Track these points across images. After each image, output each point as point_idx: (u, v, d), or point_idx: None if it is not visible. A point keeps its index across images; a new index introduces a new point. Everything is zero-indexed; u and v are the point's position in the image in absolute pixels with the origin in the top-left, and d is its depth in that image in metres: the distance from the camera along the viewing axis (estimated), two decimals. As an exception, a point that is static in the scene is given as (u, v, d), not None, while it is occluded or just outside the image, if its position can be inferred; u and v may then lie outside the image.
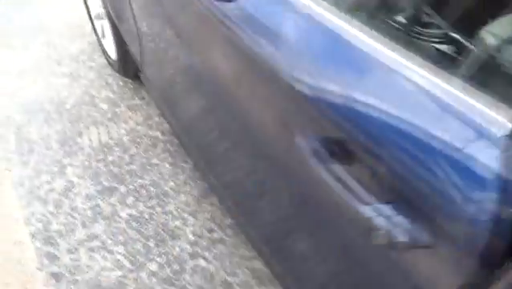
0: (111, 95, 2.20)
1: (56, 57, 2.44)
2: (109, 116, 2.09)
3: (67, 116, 2.09)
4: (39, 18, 2.74)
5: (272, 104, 0.92)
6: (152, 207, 1.68)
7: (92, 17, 2.33)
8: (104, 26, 2.17)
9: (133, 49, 1.79)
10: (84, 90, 2.23)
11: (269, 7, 0.91)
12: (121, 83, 2.27)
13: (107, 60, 2.34)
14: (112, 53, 2.21)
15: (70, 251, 1.55)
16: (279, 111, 0.90)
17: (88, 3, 2.31)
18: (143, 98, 2.18)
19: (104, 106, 2.15)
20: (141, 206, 1.69)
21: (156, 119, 2.07)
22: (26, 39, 2.56)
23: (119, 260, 1.52)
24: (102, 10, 2.11)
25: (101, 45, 2.37)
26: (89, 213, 1.67)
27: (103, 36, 2.29)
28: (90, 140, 1.96)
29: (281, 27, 0.87)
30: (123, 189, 1.75)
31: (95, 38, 2.48)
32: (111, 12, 1.85)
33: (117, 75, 2.31)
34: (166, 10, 1.32)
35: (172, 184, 1.76)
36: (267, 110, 0.95)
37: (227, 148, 1.26)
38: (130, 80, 2.28)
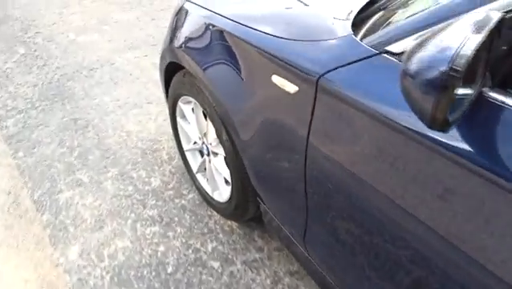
0: (220, 248, 1.77)
1: (137, 195, 2.03)
2: (225, 279, 1.66)
3: (173, 285, 1.64)
4: (106, 144, 2.36)
5: None
6: None
7: (185, 149, 1.96)
8: (211, 162, 1.78)
9: (279, 204, 1.39)
10: (184, 241, 1.80)
11: None
12: (226, 228, 1.86)
13: (205, 198, 1.94)
14: (218, 193, 1.81)
15: None
16: None
17: (181, 134, 1.94)
18: (260, 249, 1.76)
19: (215, 264, 1.71)
20: None
21: (287, 280, 1.64)
22: (96, 174, 2.16)
23: None
24: (207, 144, 1.73)
25: (195, 180, 1.98)
26: None
27: (200, 170, 1.90)
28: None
29: None
30: None
31: (175, 164, 2.11)
32: (241, 149, 1.45)
33: (216, 215, 1.91)
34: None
35: None
36: None
37: None
38: (235, 223, 1.87)
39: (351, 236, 1.08)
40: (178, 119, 1.89)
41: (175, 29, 1.74)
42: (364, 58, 0.95)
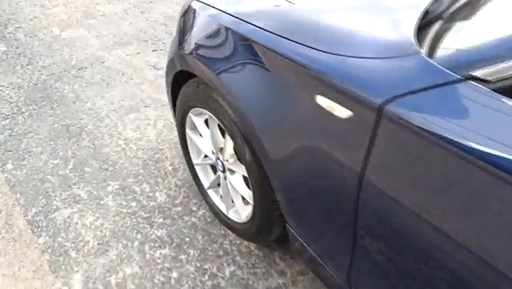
0: (239, 273, 1.63)
1: (142, 213, 1.87)
2: (247, 308, 1.52)
3: (191, 317, 1.50)
4: (103, 153, 2.18)
5: None
6: None
7: (195, 163, 1.80)
8: (228, 179, 1.63)
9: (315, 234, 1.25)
10: (198, 266, 1.66)
11: None
12: (243, 249, 1.72)
13: (217, 216, 1.79)
14: (234, 212, 1.67)
15: None
16: None
17: (190, 147, 1.78)
18: (283, 273, 1.62)
19: (235, 291, 1.58)
20: None
21: (315, 308, 1.52)
22: (95, 188, 1.98)
23: None
24: (223, 160, 1.58)
25: (206, 196, 1.82)
26: None
27: (212, 186, 1.75)
28: None
29: None
30: None
31: (180, 176, 1.96)
32: (270, 171, 1.30)
33: (231, 234, 1.76)
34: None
35: None
36: None
37: None
38: (253, 244, 1.73)
39: (410, 280, 0.95)
40: (188, 131, 1.73)
41: (183, 32, 1.57)
42: (444, 83, 0.81)
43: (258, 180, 1.38)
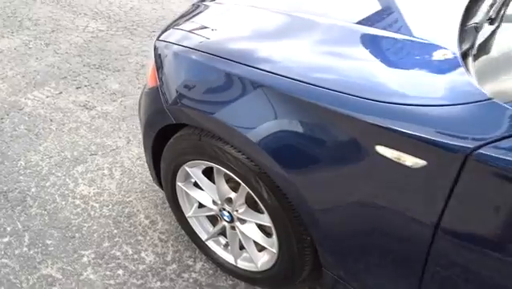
0: (263, 323, 1.55)
1: (134, 280, 1.67)
2: None
3: None
4: (61, 219, 1.91)
5: None
6: None
7: (188, 215, 1.66)
8: (238, 229, 1.53)
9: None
10: (218, 326, 1.54)
11: None
12: (258, 295, 1.63)
13: (221, 266, 1.67)
14: (245, 260, 1.58)
15: None
16: None
17: (182, 200, 1.63)
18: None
19: None
20: None
21: None
22: (67, 263, 1.72)
23: None
24: (232, 211, 1.48)
25: (204, 248, 1.70)
26: None
27: (212, 237, 1.64)
28: None
29: None
30: None
31: (161, 228, 1.81)
32: (311, 223, 1.24)
33: (241, 283, 1.67)
34: None
35: None
36: None
37: None
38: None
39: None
40: (179, 184, 1.58)
41: (166, 82, 1.43)
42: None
43: (286, 229, 1.32)
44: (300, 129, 1.10)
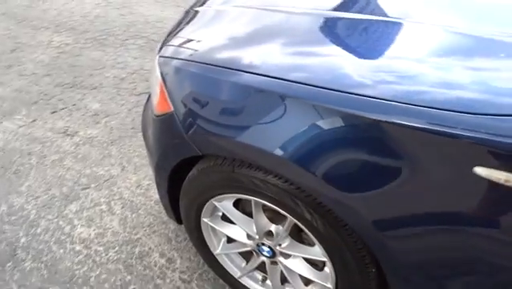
0: None
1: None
2: None
3: None
4: (62, 272, 1.65)
5: None
6: None
7: (216, 253, 1.44)
8: (281, 263, 1.33)
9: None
10: None
11: None
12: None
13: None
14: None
15: None
16: None
17: (208, 237, 1.42)
18: None
19: None
20: None
21: None
22: None
23: None
24: (273, 246, 1.28)
25: (236, 285, 1.49)
26: None
27: (263, 280, 1.43)
28: None
29: None
30: None
31: (180, 266, 1.60)
32: (387, 261, 1.06)
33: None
34: None
35: None
36: None
37: None
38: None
39: None
40: (205, 220, 1.36)
41: (185, 105, 1.19)
42: None
43: (344, 261, 1.13)
44: (357, 146, 0.92)
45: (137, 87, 2.61)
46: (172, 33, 1.38)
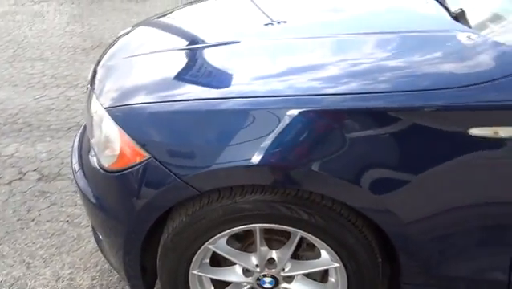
0: None
1: None
2: None
3: None
4: None
5: None
6: None
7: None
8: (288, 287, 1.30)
9: None
10: None
11: None
12: None
13: None
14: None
15: None
16: None
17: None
18: None
19: None
20: None
21: None
22: None
23: None
24: (276, 274, 1.26)
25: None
26: None
27: None
28: None
29: None
30: None
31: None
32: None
33: None
34: None
35: None
36: None
37: None
38: None
39: None
40: (194, 272, 1.25)
41: (170, 148, 1.13)
42: None
43: (357, 259, 1.19)
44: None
45: (2, 175, 2.23)
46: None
